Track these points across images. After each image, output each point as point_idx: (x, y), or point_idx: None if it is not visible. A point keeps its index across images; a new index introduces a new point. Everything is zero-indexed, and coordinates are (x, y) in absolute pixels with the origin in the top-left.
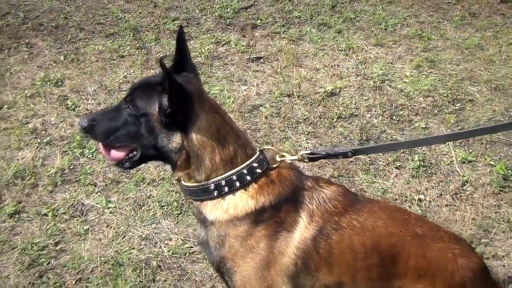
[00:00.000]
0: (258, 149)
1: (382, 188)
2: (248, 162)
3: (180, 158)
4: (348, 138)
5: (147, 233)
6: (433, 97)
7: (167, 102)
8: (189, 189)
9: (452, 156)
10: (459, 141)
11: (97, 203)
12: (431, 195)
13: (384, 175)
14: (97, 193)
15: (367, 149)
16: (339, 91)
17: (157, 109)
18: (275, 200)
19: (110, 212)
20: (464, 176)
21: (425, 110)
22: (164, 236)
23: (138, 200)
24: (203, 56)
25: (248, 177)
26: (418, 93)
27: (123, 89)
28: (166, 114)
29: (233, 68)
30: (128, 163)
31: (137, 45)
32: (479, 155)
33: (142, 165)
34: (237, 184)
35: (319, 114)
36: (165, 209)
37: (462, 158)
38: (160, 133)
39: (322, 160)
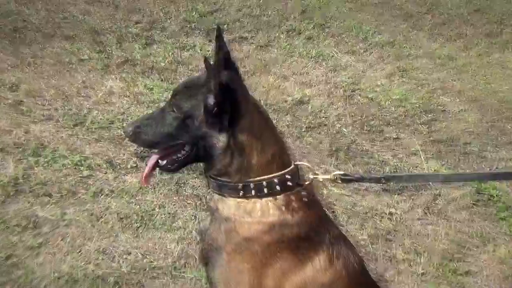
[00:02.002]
0: (293, 162)
1: (352, 202)
2: (282, 172)
3: (224, 158)
4: (318, 149)
5: (105, 247)
6: (404, 107)
7: (212, 102)
8: (216, 182)
9: (424, 168)
10: (431, 153)
11: (51, 215)
12: (403, 209)
13: (354, 188)
14: (52, 204)
15: (400, 177)
16: (308, 100)
17: (202, 110)
18: (298, 222)
19: (65, 225)
20: (436, 189)
21: (397, 120)
22: (122, 251)
23: (96, 212)
24: (166, 61)
25: (278, 188)
26: (389, 102)
27: (82, 94)
28: (212, 114)
29: (198, 74)
30: (175, 164)
31: (97, 48)
32: (452, 167)
33: (100, 177)
34: (266, 191)
35: (287, 123)
36: (124, 222)
37: (434, 170)
38: (208, 133)
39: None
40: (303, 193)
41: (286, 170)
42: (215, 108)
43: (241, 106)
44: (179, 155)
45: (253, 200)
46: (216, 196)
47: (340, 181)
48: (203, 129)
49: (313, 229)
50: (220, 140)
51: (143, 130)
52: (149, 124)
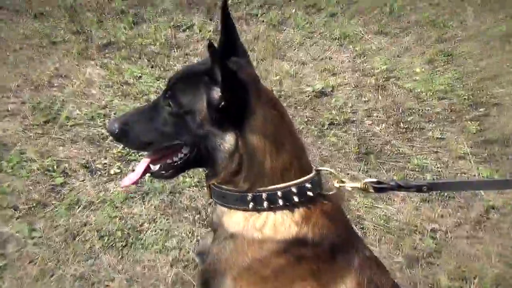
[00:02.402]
0: (315, 167)
1: (385, 215)
2: (300, 180)
3: (230, 163)
4: (343, 151)
5: (82, 271)
6: (450, 99)
7: (218, 95)
8: (220, 191)
9: (474, 175)
10: (483, 156)
11: (17, 232)
12: (448, 224)
13: (388, 198)
14: (17, 218)
15: (446, 184)
16: (331, 91)
17: (205, 104)
18: (320, 239)
19: (34, 244)
20: (489, 201)
21: (440, 116)
22: (104, 276)
23: (71, 228)
24: (158, 44)
25: (296, 198)
26: (431, 94)
27: (55, 84)
28: (217, 109)
29: (197, 59)
30: (170, 170)
31: (74, 29)
32: (508, 173)
33: (77, 185)
34: (281, 202)
35: (305, 120)
36: (105, 240)
37: (487, 177)
38: (210, 133)
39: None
40: (327, 205)
41: (305, 178)
42: (221, 103)
43: (252, 100)
44: (175, 158)
45: (265, 213)
46: (220, 209)
47: (372, 190)
48: (206, 128)
49: (338, 249)
50: (226, 141)
51: (132, 128)
52: (139, 120)
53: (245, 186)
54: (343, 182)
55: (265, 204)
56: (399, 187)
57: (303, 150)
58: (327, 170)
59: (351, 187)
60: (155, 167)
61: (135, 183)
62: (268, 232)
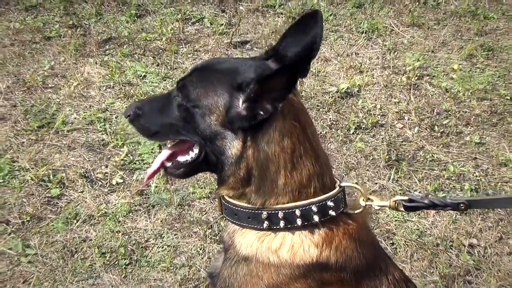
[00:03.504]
0: (338, 183)
1: (418, 230)
2: (322, 198)
3: (238, 169)
4: (371, 158)
5: None
6: (490, 100)
7: (241, 104)
8: (232, 207)
9: None
10: None
11: (9, 249)
12: (487, 239)
13: (421, 211)
14: (10, 234)
15: (487, 201)
16: (358, 91)
17: (222, 107)
18: (344, 263)
19: (29, 262)
20: None
21: (480, 119)
22: None
23: (69, 244)
24: (164, 39)
25: (316, 218)
26: (470, 94)
27: (49, 84)
28: (236, 116)
29: (207, 56)
30: (182, 169)
31: (70, 22)
32: None
33: (75, 197)
34: (299, 222)
35: (329, 123)
36: (107, 258)
37: None
38: (218, 134)
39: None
40: (351, 224)
41: (328, 195)
42: (242, 113)
43: (278, 108)
44: (186, 157)
45: (281, 233)
46: (232, 227)
47: (403, 209)
48: (214, 128)
49: (364, 274)
50: (234, 145)
51: (144, 114)
52: (152, 107)
53: (258, 201)
54: (370, 199)
55: (282, 223)
56: (433, 206)
57: (326, 166)
58: (353, 186)
59: (379, 206)
60: (168, 163)
61: (151, 177)
62: (286, 255)
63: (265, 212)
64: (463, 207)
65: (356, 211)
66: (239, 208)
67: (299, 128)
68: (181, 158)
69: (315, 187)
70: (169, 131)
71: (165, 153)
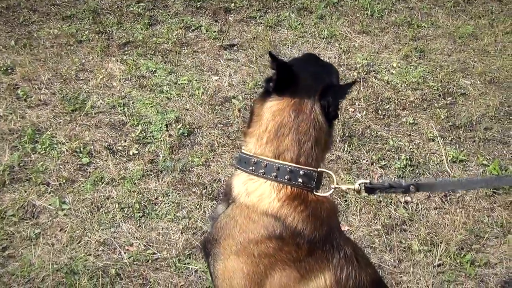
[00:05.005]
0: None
1: None
2: (295, 165)
3: (250, 114)
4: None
5: (105, 238)
6: (422, 90)
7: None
8: (239, 155)
9: (442, 155)
10: (450, 139)
11: (49, 205)
12: (419, 197)
13: (368, 175)
14: (50, 193)
15: (433, 184)
16: None
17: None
18: (300, 228)
19: (64, 215)
20: (454, 177)
21: (414, 104)
22: (124, 241)
23: (96, 201)
24: (170, 42)
25: (286, 178)
26: (406, 85)
27: (81, 77)
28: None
29: (204, 56)
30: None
31: (97, 29)
32: (471, 154)
33: (101, 164)
34: (273, 175)
35: None
36: (125, 212)
37: (453, 157)
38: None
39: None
40: (317, 201)
41: (302, 166)
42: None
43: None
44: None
45: (260, 180)
46: (234, 173)
47: (364, 191)
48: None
49: (317, 245)
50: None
51: None
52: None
53: (248, 147)
54: (338, 184)
55: (261, 171)
56: (390, 188)
57: (309, 152)
58: (328, 172)
59: (346, 188)
60: None
61: None
62: (255, 200)
63: (254, 158)
64: (413, 189)
65: (323, 194)
66: (240, 155)
67: (295, 116)
68: None
69: (292, 157)
70: None
71: None
